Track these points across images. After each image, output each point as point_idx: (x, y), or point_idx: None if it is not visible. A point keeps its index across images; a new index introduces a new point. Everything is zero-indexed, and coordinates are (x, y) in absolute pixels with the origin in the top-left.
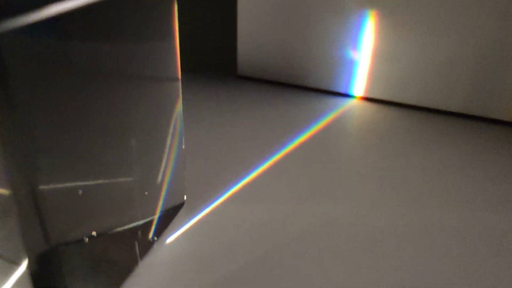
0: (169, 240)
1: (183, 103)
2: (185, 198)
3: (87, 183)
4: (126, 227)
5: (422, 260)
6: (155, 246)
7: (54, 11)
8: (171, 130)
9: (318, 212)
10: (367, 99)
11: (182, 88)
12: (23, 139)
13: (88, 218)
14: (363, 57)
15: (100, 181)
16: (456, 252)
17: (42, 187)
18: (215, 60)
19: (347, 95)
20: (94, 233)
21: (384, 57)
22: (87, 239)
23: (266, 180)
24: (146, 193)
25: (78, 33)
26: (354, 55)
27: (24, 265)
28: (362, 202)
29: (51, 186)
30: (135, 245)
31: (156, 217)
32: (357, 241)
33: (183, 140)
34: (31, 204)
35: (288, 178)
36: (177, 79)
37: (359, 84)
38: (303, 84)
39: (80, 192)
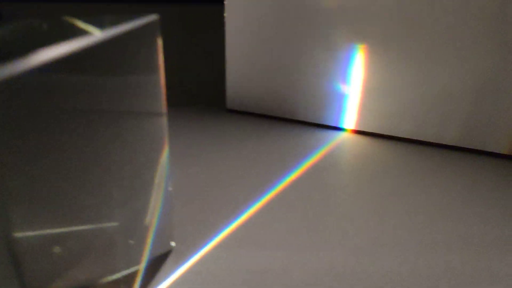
0: None
1: (171, 139)
2: (173, 244)
3: (63, 230)
4: (108, 278)
5: None
6: None
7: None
8: (157, 171)
9: (316, 260)
10: (358, 132)
11: (170, 124)
12: None
13: (65, 270)
14: (354, 90)
15: (78, 229)
16: None
17: (12, 237)
18: (204, 95)
19: (337, 128)
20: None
21: (375, 90)
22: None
23: (258, 223)
24: (131, 240)
25: (55, 72)
26: (344, 88)
27: None
28: (361, 247)
29: (23, 236)
30: None
31: (142, 266)
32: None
33: (170, 181)
34: (1, 258)
35: (282, 221)
36: (162, 115)
37: (350, 117)
38: (293, 118)
39: (58, 249)
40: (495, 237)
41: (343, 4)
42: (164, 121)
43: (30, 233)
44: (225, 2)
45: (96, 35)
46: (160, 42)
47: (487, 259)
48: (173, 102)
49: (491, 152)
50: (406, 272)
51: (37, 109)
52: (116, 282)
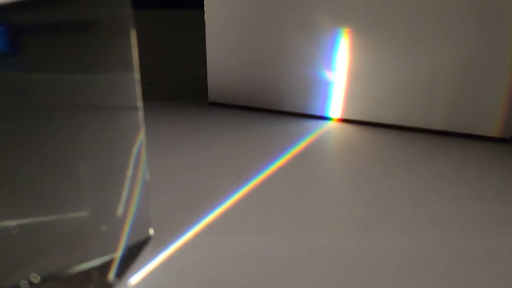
0: (134, 280)
1: (153, 132)
2: (151, 232)
3: (25, 220)
4: (81, 266)
5: (410, 282)
6: (116, 287)
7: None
8: (132, 161)
9: (301, 242)
10: (344, 120)
11: (152, 117)
12: None
13: (29, 259)
14: (339, 77)
15: (43, 218)
16: (455, 279)
17: None
18: (186, 90)
19: (323, 118)
20: (37, 277)
21: (360, 77)
22: (27, 284)
23: (242, 209)
24: (105, 228)
25: (31, 64)
26: (329, 76)
27: None
28: (349, 228)
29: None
30: (93, 285)
31: (117, 255)
32: (346, 271)
33: (147, 170)
34: None
35: (266, 206)
36: (137, 108)
37: (336, 105)
38: (278, 108)
39: (16, 230)
40: (484, 217)
41: None
42: (138, 113)
43: None
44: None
45: None
46: (134, 35)
47: (477, 238)
48: (156, 96)
49: (478, 135)
50: (395, 251)
51: (7, 102)
52: (89, 270)
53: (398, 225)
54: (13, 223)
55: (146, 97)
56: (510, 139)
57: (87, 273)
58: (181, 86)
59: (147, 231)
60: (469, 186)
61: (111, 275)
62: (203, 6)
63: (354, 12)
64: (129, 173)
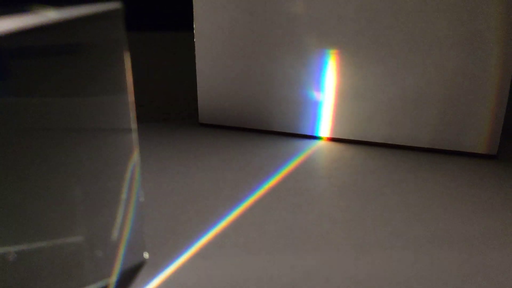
0: None
1: (144, 154)
2: (146, 256)
3: (20, 246)
4: None
5: None
6: None
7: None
8: (126, 183)
9: (296, 263)
10: (334, 139)
11: (143, 139)
12: None
13: (24, 286)
14: (327, 97)
15: (37, 243)
16: None
17: None
18: (176, 111)
19: (313, 137)
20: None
21: (348, 97)
22: None
23: (235, 231)
24: (98, 252)
25: (23, 88)
26: (318, 96)
27: None
28: (342, 248)
29: None
30: None
31: (112, 280)
32: None
33: (142, 193)
34: None
35: (259, 227)
36: (131, 130)
37: (325, 125)
38: (268, 129)
39: (13, 257)
40: (473, 233)
41: (312, 11)
42: (132, 135)
43: None
44: (194, 19)
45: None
46: (128, 57)
47: (468, 254)
48: (146, 118)
49: (466, 152)
50: (390, 270)
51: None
52: None
53: (392, 243)
54: (9, 249)
55: (136, 119)
56: (497, 155)
57: None
58: (171, 107)
59: (142, 255)
60: (459, 202)
61: None
62: (192, 28)
63: (341, 34)
64: (123, 196)
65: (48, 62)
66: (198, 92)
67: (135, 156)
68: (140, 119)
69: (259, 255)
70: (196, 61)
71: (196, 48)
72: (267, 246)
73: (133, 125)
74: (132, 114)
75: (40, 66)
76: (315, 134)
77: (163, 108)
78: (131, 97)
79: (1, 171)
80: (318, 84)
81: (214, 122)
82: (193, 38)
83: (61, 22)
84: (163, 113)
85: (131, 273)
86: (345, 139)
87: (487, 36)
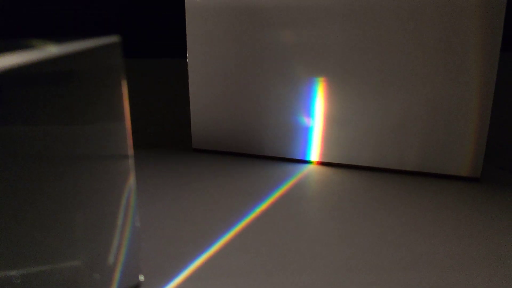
0: None
1: (140, 179)
2: (142, 278)
3: (23, 270)
4: None
5: None
6: None
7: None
8: (122, 208)
9: (286, 283)
10: (323, 163)
11: (137, 165)
12: None
13: None
14: (316, 123)
15: (38, 267)
16: None
17: None
18: (170, 137)
19: (303, 161)
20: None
21: (336, 122)
22: None
23: (228, 254)
24: (97, 276)
25: (20, 116)
26: (307, 121)
27: None
28: (331, 269)
29: None
30: None
31: None
32: None
33: (137, 218)
34: None
35: (251, 250)
36: (127, 157)
37: (314, 149)
38: (259, 153)
39: (18, 280)
40: (460, 254)
41: (301, 41)
42: (129, 161)
43: None
44: (188, 48)
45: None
46: (125, 84)
47: (457, 275)
48: (140, 144)
49: (450, 175)
50: None
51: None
52: None
53: (378, 265)
54: (13, 273)
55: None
56: (480, 178)
57: None
58: (165, 133)
59: (138, 277)
60: (443, 224)
61: None
62: (185, 55)
63: (328, 63)
64: (120, 221)
65: (49, 89)
66: (192, 118)
67: (132, 182)
68: (134, 145)
69: (251, 277)
70: (190, 88)
71: (189, 75)
72: (258, 268)
73: (130, 151)
74: (129, 141)
75: (40, 96)
76: (305, 159)
77: (157, 134)
78: (128, 124)
79: (4, 198)
80: (308, 110)
81: (207, 147)
82: (186, 64)
83: (61, 55)
84: (157, 139)
85: None
86: (334, 163)
87: (467, 67)
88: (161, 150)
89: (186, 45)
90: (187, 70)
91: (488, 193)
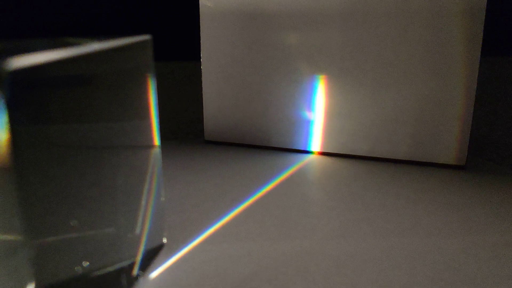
0: (153, 275)
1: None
2: (164, 240)
3: (81, 233)
4: (114, 267)
5: (383, 281)
6: (140, 280)
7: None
8: (154, 186)
9: (288, 246)
10: (323, 153)
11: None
12: (36, 200)
13: (82, 256)
14: (317, 116)
15: (90, 231)
16: (414, 271)
17: (49, 236)
18: (184, 130)
19: (306, 151)
20: (87, 263)
21: (335, 116)
22: (80, 269)
23: (237, 223)
24: (129, 237)
25: (73, 116)
26: (309, 115)
27: None
28: (327, 235)
29: (55, 233)
30: (123, 279)
31: (138, 258)
32: (324, 266)
33: (163, 193)
34: (44, 244)
35: (258, 221)
36: (155, 146)
37: (316, 141)
38: (266, 144)
39: (74, 223)
40: (440, 225)
41: (303, 43)
42: (157, 149)
43: (51, 239)
44: (202, 49)
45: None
46: (153, 90)
47: (433, 241)
48: (160, 137)
49: (438, 163)
50: (367, 252)
51: (57, 148)
52: (120, 270)
53: (369, 232)
54: (73, 223)
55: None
56: (465, 165)
57: (118, 270)
58: (180, 127)
59: (162, 240)
60: (429, 203)
61: (136, 271)
62: (197, 58)
63: (328, 62)
64: (148, 196)
65: (93, 90)
66: (204, 112)
67: (159, 166)
68: None
69: (257, 241)
70: (202, 86)
71: (202, 74)
72: (264, 234)
73: (157, 142)
74: (156, 133)
75: (82, 94)
76: (307, 149)
77: (173, 128)
78: (155, 119)
79: (68, 177)
80: (310, 105)
81: (218, 140)
82: (197, 67)
83: (101, 52)
84: (172, 132)
85: (152, 254)
86: (333, 153)
87: (452, 66)
88: (176, 142)
89: (199, 48)
90: (199, 71)
91: (471, 179)
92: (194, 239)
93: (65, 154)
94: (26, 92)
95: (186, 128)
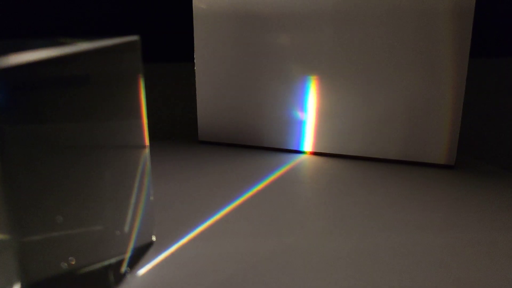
0: (141, 272)
1: (153, 164)
2: (153, 238)
3: (68, 230)
4: (102, 264)
5: (370, 276)
6: (128, 276)
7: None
8: (140, 186)
9: (276, 243)
10: (315, 153)
11: (151, 153)
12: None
13: (69, 253)
14: (309, 117)
15: (79, 229)
16: (398, 267)
17: (36, 233)
18: (178, 131)
19: (298, 151)
20: (73, 262)
21: (327, 116)
22: (66, 266)
23: (227, 221)
24: (118, 234)
25: (61, 115)
26: (302, 115)
27: None
28: (314, 232)
29: (41, 231)
30: (111, 275)
31: (127, 255)
32: (310, 261)
33: (152, 193)
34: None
35: (247, 219)
36: (144, 146)
37: (308, 141)
38: (259, 145)
39: (59, 220)
40: (426, 221)
41: (295, 44)
42: (146, 149)
43: (38, 236)
44: (195, 49)
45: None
46: (143, 85)
47: (418, 237)
48: (153, 137)
49: (428, 163)
50: (353, 249)
51: (45, 147)
52: (108, 266)
53: (357, 229)
54: (58, 219)
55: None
56: (454, 165)
57: (106, 267)
58: (175, 128)
59: (151, 237)
60: (418, 200)
61: (124, 268)
62: (190, 59)
63: (320, 63)
64: (138, 195)
65: (83, 91)
66: (198, 113)
67: (148, 166)
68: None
69: (246, 238)
70: (196, 86)
71: (196, 75)
72: (254, 231)
73: (147, 142)
74: (146, 134)
75: (67, 94)
76: (299, 149)
77: (167, 129)
78: (144, 119)
79: (55, 175)
80: (302, 105)
81: (212, 140)
82: (190, 69)
83: (88, 52)
84: (167, 133)
85: (141, 251)
86: (325, 152)
87: (441, 67)
88: (170, 142)
89: (193, 50)
90: (192, 72)
91: (460, 178)
92: (183, 237)
93: (53, 152)
94: (13, 91)
95: (180, 128)
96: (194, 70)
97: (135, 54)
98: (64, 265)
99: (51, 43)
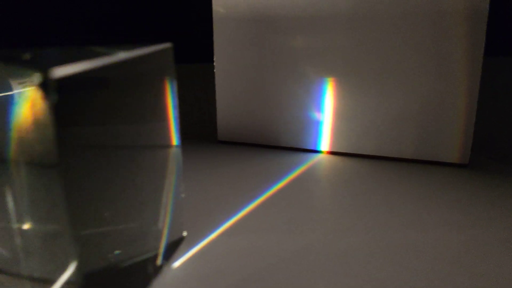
0: (175, 265)
1: None
2: (185, 234)
3: (112, 227)
4: (140, 258)
5: (387, 272)
6: (164, 269)
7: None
8: (172, 183)
9: (296, 240)
10: (332, 152)
11: None
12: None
13: (114, 246)
14: (326, 117)
15: (117, 226)
16: (417, 265)
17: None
18: (198, 131)
19: (315, 151)
20: (118, 253)
21: (343, 116)
22: (113, 258)
23: (250, 219)
24: (153, 231)
25: (105, 118)
26: (318, 116)
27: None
28: (333, 230)
29: (94, 227)
30: (148, 269)
31: (161, 250)
32: (329, 259)
33: (183, 190)
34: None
35: (269, 216)
36: (176, 146)
37: (324, 140)
38: (276, 144)
39: (107, 215)
40: (441, 220)
41: (312, 47)
42: (179, 149)
43: (89, 230)
44: (215, 52)
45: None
46: (176, 88)
47: (436, 235)
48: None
49: (442, 162)
50: (370, 246)
51: (93, 148)
52: (145, 260)
53: (374, 226)
54: (106, 214)
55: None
56: (468, 164)
57: (144, 260)
58: (193, 128)
59: (182, 233)
60: (432, 198)
61: (159, 261)
62: (209, 61)
63: (336, 65)
64: (169, 192)
65: (118, 94)
66: (217, 114)
67: (180, 164)
68: None
69: (267, 235)
70: (216, 88)
71: (216, 77)
72: (274, 229)
73: (178, 142)
74: (178, 134)
75: (113, 98)
76: (316, 149)
77: (187, 128)
78: (177, 121)
79: (102, 175)
80: (319, 106)
81: (230, 140)
82: (210, 70)
83: (129, 60)
84: (185, 133)
85: (173, 246)
86: (341, 152)
87: (456, 65)
88: (190, 142)
89: (212, 51)
90: (212, 74)
91: (474, 177)
92: (211, 232)
93: (99, 153)
94: (68, 96)
95: (200, 129)
96: (213, 71)
97: (169, 60)
98: (111, 257)
99: (89, 53)
